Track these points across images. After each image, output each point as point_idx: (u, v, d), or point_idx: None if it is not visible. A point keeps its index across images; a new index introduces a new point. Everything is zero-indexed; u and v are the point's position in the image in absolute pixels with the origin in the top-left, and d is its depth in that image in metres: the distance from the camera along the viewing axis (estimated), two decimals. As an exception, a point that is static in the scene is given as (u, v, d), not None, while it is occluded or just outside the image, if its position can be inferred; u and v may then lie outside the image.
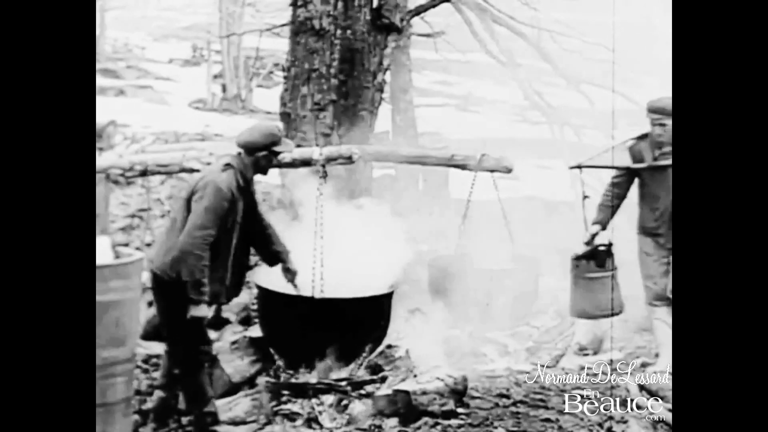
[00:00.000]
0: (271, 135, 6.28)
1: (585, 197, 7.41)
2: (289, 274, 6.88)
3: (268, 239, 6.67)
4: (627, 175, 7.41)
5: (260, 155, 6.24)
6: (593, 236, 7.42)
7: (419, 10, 13.16)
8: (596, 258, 7.37)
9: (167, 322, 6.33)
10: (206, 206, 6.01)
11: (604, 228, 7.47)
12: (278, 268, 7.00)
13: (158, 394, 6.56)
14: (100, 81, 28.12)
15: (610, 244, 7.39)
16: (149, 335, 7.97)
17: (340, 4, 9.71)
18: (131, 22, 39.90)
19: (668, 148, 7.01)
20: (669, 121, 6.97)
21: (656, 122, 7.10)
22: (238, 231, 6.28)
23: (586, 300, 7.40)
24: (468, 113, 27.84)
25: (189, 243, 5.99)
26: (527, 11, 15.20)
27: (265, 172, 6.36)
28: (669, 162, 6.96)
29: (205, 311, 6.12)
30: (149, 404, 6.62)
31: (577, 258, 7.43)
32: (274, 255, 6.74)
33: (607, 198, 7.51)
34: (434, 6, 13.52)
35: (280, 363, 7.30)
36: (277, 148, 6.26)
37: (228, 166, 6.18)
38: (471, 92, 29.06)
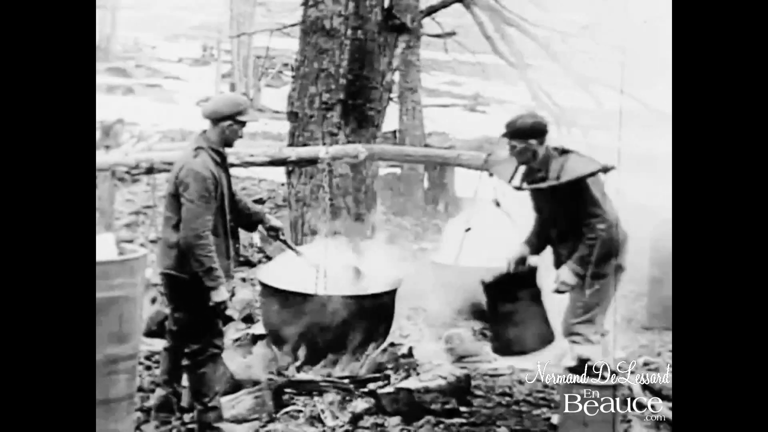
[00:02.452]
0: (235, 104, 6.29)
1: (497, 204, 6.92)
2: (273, 230, 6.85)
3: (240, 204, 6.65)
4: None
5: (225, 125, 6.24)
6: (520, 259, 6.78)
7: (430, 11, 13.18)
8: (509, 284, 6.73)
9: (181, 316, 6.34)
10: (194, 195, 6.03)
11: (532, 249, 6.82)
12: (275, 268, 7.03)
13: (159, 391, 6.57)
14: (110, 79, 28.25)
15: (530, 269, 6.80)
16: (152, 332, 7.99)
17: (351, 4, 9.72)
18: (142, 22, 40.03)
19: (538, 174, 6.48)
20: (517, 143, 6.44)
21: (507, 142, 6.52)
22: (228, 204, 6.32)
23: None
24: (475, 113, 27.87)
25: (191, 236, 6.02)
26: (538, 12, 15.20)
27: (231, 144, 6.34)
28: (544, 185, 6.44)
29: (224, 294, 6.15)
30: (152, 401, 6.63)
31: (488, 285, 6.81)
32: (251, 217, 6.71)
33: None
34: (445, 6, 13.54)
35: (283, 361, 7.32)
36: (241, 117, 6.27)
37: (198, 149, 6.19)
38: (479, 93, 29.10)
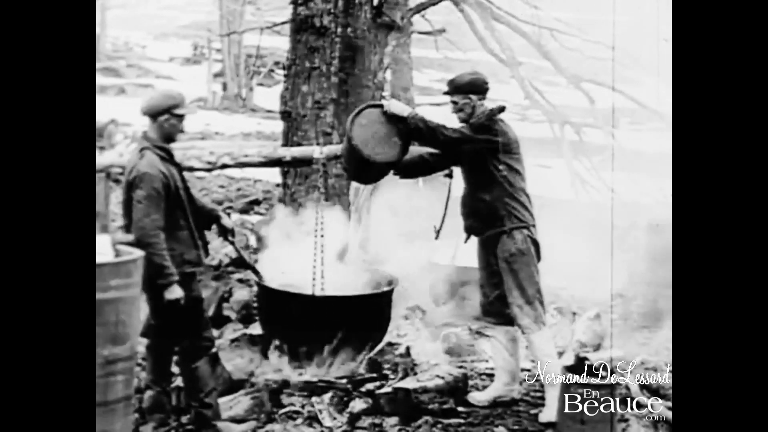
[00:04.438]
0: (169, 97, 6.34)
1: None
2: (225, 231, 6.85)
3: (196, 203, 6.64)
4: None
5: (163, 119, 6.27)
6: None
7: (420, 8, 13.16)
8: None
9: (165, 315, 6.34)
10: (142, 196, 6.07)
11: None
12: (272, 269, 7.03)
13: (149, 392, 6.57)
14: (101, 80, 28.16)
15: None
16: (149, 332, 7.96)
17: (340, 2, 9.72)
18: (132, 21, 39.90)
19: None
20: (458, 98, 6.73)
21: (450, 99, 6.83)
22: (186, 196, 6.32)
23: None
24: (469, 111, 27.78)
25: (139, 235, 6.05)
26: (528, 9, 15.21)
27: (173, 139, 6.36)
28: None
29: (177, 292, 6.13)
30: (144, 403, 6.61)
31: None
32: (205, 215, 6.70)
33: None
34: (435, 4, 13.53)
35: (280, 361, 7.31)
36: (177, 111, 6.29)
37: (143, 150, 6.22)
38: (471, 90, 29.00)
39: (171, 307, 6.14)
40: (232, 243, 6.94)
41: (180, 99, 6.36)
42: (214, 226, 6.81)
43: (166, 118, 6.28)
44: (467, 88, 6.71)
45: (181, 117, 6.33)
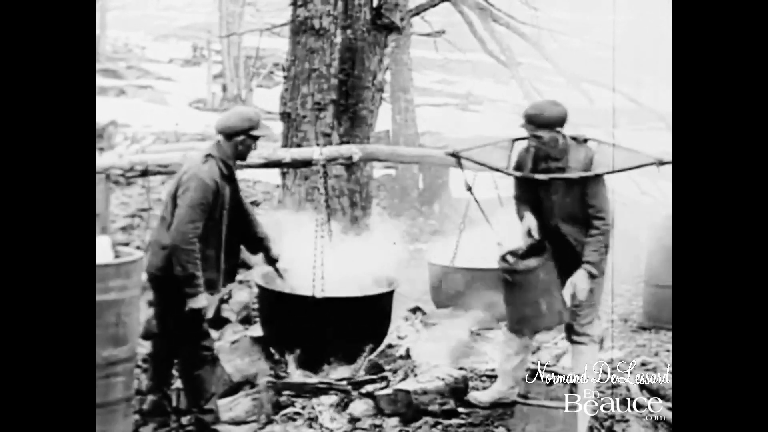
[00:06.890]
0: (248, 119, 6.31)
1: (469, 188, 6.82)
2: (272, 261, 6.86)
3: (250, 225, 6.65)
4: (524, 184, 6.51)
5: (238, 140, 6.26)
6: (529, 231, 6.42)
7: (419, 10, 13.17)
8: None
9: (168, 319, 6.34)
10: (191, 200, 6.03)
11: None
12: (272, 270, 7.04)
13: (150, 397, 6.57)
14: (101, 81, 28.14)
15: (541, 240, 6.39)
16: (149, 334, 7.97)
17: (340, 4, 9.71)
18: (131, 22, 40.01)
19: (554, 163, 6.28)
20: (545, 133, 6.19)
21: (530, 133, 6.24)
22: (227, 218, 6.30)
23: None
24: (468, 112, 27.90)
25: (178, 239, 6.01)
26: (527, 10, 15.24)
27: (244, 158, 6.37)
28: (546, 177, 6.25)
29: (203, 302, 6.12)
30: (144, 406, 6.60)
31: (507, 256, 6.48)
32: (257, 242, 6.72)
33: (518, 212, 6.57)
34: (434, 5, 13.53)
35: (281, 362, 7.31)
36: (254, 132, 6.28)
37: (209, 156, 6.20)
38: (471, 91, 29.14)
39: (194, 315, 6.14)
40: (278, 273, 6.95)
41: (257, 120, 6.35)
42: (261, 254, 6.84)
43: (242, 140, 6.27)
44: (557, 122, 6.22)
45: (256, 138, 6.33)
